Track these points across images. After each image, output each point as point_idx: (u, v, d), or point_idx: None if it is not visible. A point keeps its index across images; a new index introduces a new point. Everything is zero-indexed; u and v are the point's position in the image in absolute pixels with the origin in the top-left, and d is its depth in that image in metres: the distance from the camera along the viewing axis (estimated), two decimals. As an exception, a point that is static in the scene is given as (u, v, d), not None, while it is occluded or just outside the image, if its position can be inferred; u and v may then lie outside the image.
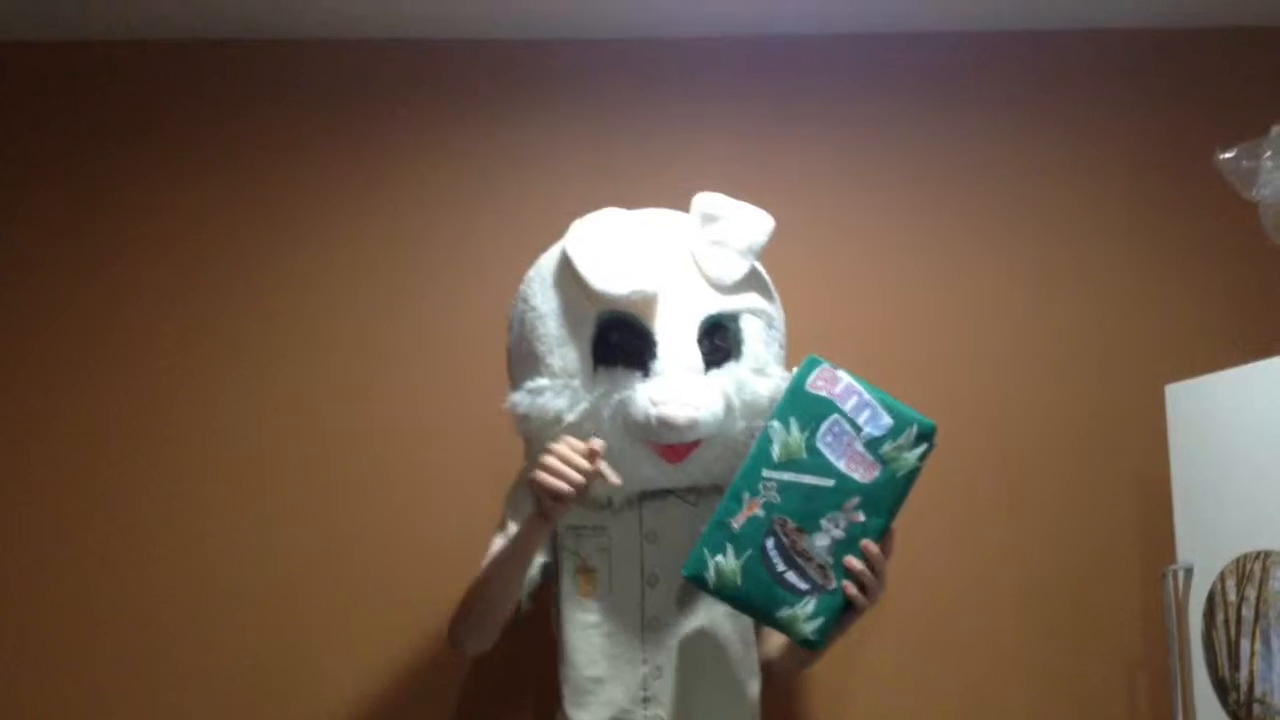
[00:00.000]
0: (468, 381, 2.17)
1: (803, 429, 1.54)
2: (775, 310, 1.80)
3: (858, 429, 1.54)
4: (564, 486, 1.53)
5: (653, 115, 2.31)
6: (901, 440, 1.54)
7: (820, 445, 1.54)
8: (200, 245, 2.24)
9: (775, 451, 1.54)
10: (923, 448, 1.55)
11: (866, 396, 1.55)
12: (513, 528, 1.74)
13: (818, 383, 1.56)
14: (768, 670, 1.78)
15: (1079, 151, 2.32)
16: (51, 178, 2.24)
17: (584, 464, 1.54)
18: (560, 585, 1.74)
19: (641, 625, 1.70)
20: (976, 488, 2.22)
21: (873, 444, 1.54)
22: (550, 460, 1.55)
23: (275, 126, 2.27)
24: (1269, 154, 1.81)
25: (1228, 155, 1.86)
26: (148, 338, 2.20)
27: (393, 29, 2.28)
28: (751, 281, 1.75)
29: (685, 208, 1.80)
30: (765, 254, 1.76)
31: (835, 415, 1.54)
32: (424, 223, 2.26)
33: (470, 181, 2.28)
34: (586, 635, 1.70)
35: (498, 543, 1.76)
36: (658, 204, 1.82)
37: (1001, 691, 2.16)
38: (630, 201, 1.78)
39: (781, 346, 1.80)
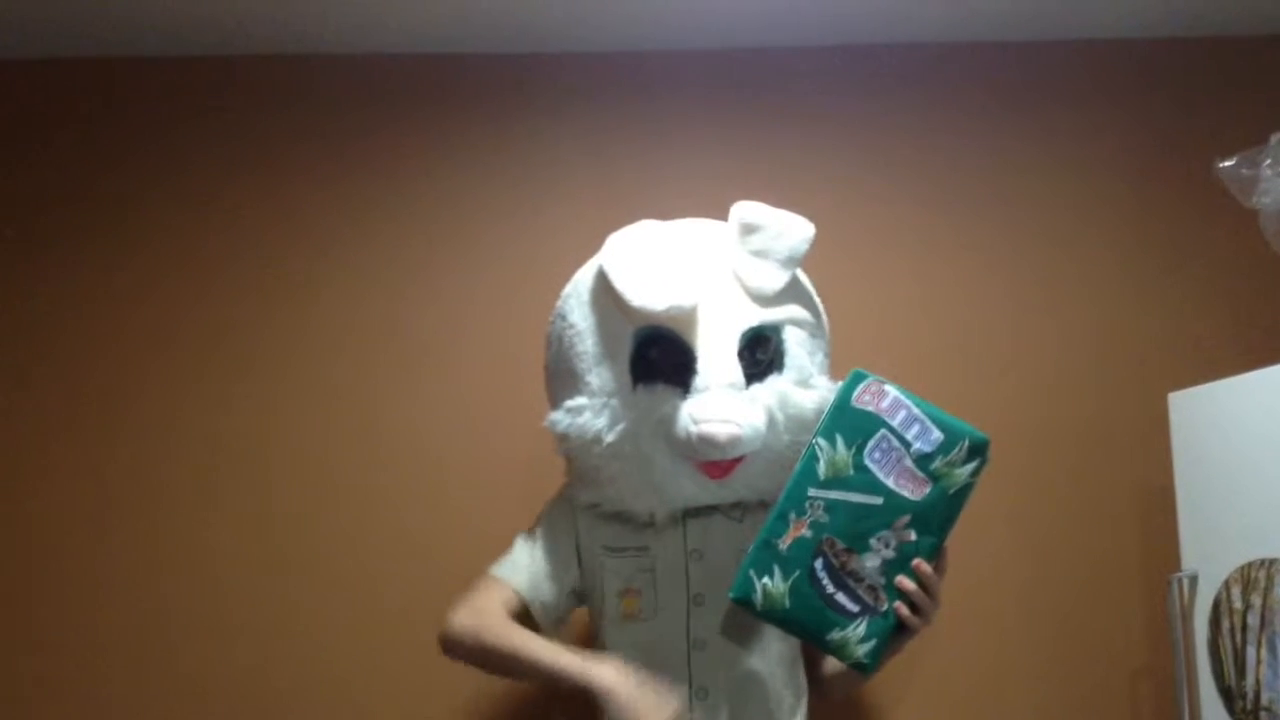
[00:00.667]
0: (475, 390, 2.15)
1: (849, 445, 1.50)
2: (819, 318, 1.76)
3: (907, 445, 1.50)
4: None
5: (661, 127, 2.29)
6: (953, 456, 1.50)
7: (868, 462, 1.49)
8: (210, 257, 2.22)
9: (821, 469, 1.50)
10: (975, 463, 1.51)
11: (915, 411, 1.51)
12: (538, 542, 1.72)
13: (864, 397, 1.51)
14: (823, 687, 1.75)
15: (1080, 160, 2.31)
16: (67, 189, 2.23)
17: None
18: (602, 608, 1.69)
19: (688, 646, 1.65)
20: (980, 496, 2.19)
21: (923, 460, 1.50)
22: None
23: (286, 140, 2.26)
24: (1269, 162, 1.80)
25: (1228, 164, 1.85)
26: (157, 347, 2.19)
27: (402, 44, 2.26)
28: (793, 291, 1.70)
29: (695, 217, 1.77)
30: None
31: (883, 431, 1.50)
32: (432, 235, 2.25)
33: (478, 194, 2.26)
34: (628, 653, 1.63)
35: (519, 545, 1.72)
36: (666, 215, 1.77)
37: (1006, 699, 2.15)
38: (638, 213, 1.74)
39: (826, 355, 1.76)
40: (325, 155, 2.26)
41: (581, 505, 1.71)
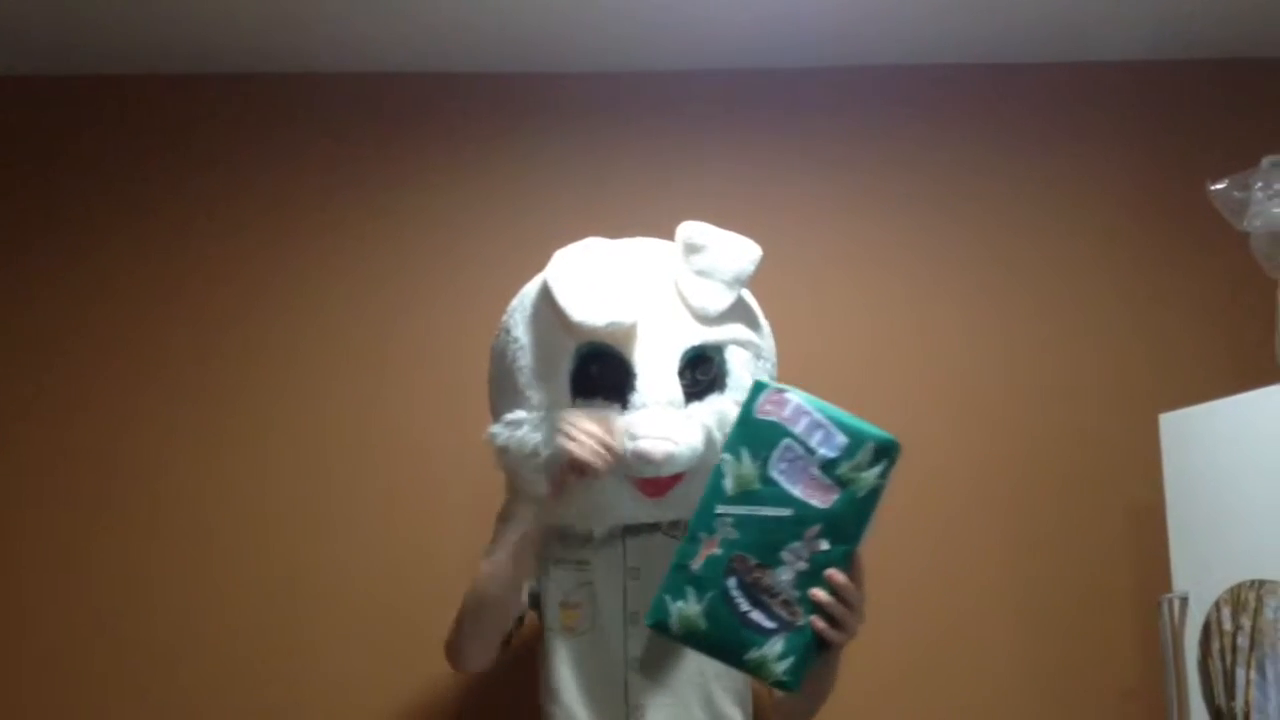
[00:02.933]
0: (465, 403, 2.10)
1: (755, 458, 1.44)
2: (764, 340, 1.74)
3: (811, 452, 1.42)
4: (596, 461, 1.49)
5: (647, 147, 2.29)
6: (859, 459, 1.41)
7: (774, 473, 1.43)
8: (203, 273, 2.23)
9: (728, 485, 1.44)
10: (883, 464, 1.42)
11: (818, 416, 1.43)
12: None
13: (766, 407, 1.45)
14: (776, 712, 1.70)
15: (1072, 182, 2.29)
16: (56, 205, 2.25)
17: (600, 434, 1.51)
18: (545, 618, 1.68)
19: (625, 663, 1.62)
20: (971, 516, 2.20)
21: (828, 466, 1.42)
22: (578, 434, 1.50)
23: (278, 156, 2.27)
24: (1260, 185, 1.79)
25: (1219, 186, 1.84)
26: (152, 357, 2.20)
27: (392, 63, 2.28)
28: (737, 312, 1.68)
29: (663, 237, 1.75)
30: (756, 283, 1.71)
31: (787, 440, 1.43)
32: (424, 252, 2.25)
33: (469, 211, 2.27)
34: (569, 672, 1.63)
35: (485, 567, 1.67)
36: (653, 234, 1.77)
37: (999, 717, 2.12)
38: (625, 231, 1.74)
39: (772, 378, 1.71)
40: (313, 170, 2.26)
41: None
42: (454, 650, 1.66)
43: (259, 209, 2.26)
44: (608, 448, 1.51)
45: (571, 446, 1.50)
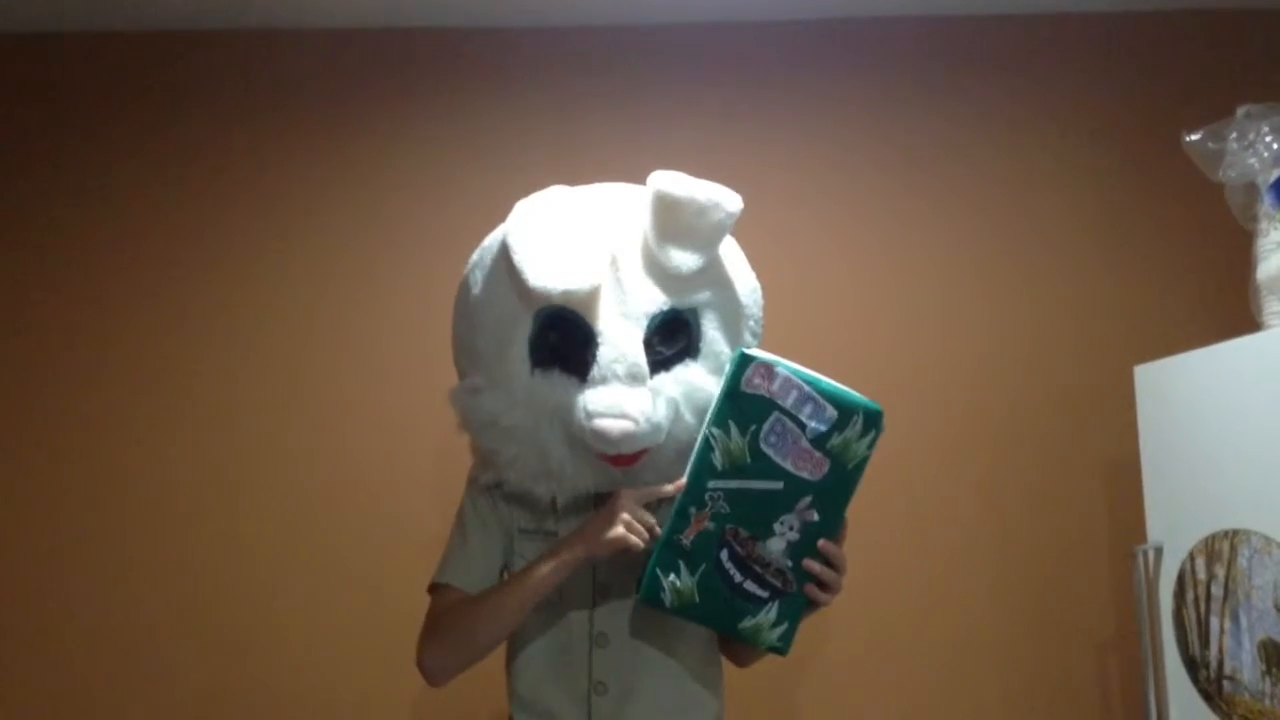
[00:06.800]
0: (438, 369, 2.12)
1: (744, 432, 1.40)
2: (746, 297, 1.58)
3: (802, 426, 1.40)
4: (639, 544, 1.42)
5: (620, 100, 2.26)
6: (849, 431, 1.40)
7: (764, 447, 1.40)
8: (168, 236, 2.20)
9: (718, 460, 1.41)
10: (871, 435, 1.41)
11: (807, 389, 1.41)
12: (467, 533, 1.60)
13: (754, 381, 1.41)
14: (741, 657, 1.64)
15: (1048, 135, 2.28)
16: (20, 167, 2.21)
17: (652, 522, 1.44)
18: None
19: (589, 639, 1.53)
20: (948, 472, 2.20)
21: (820, 439, 1.40)
22: (638, 529, 1.43)
23: (245, 115, 2.24)
24: (1234, 136, 1.76)
25: (1194, 138, 1.81)
26: (108, 337, 2.17)
27: (361, 18, 2.24)
28: (714, 269, 1.52)
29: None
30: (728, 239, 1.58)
31: (776, 414, 1.40)
32: (393, 210, 2.23)
33: (439, 167, 2.24)
34: (533, 646, 1.54)
35: (452, 544, 1.61)
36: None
37: (976, 669, 2.13)
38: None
39: (755, 335, 1.59)
40: (281, 129, 2.26)
41: (488, 485, 1.59)
42: (435, 668, 1.53)
43: (214, 173, 2.21)
44: (650, 530, 1.45)
45: (633, 540, 1.43)
